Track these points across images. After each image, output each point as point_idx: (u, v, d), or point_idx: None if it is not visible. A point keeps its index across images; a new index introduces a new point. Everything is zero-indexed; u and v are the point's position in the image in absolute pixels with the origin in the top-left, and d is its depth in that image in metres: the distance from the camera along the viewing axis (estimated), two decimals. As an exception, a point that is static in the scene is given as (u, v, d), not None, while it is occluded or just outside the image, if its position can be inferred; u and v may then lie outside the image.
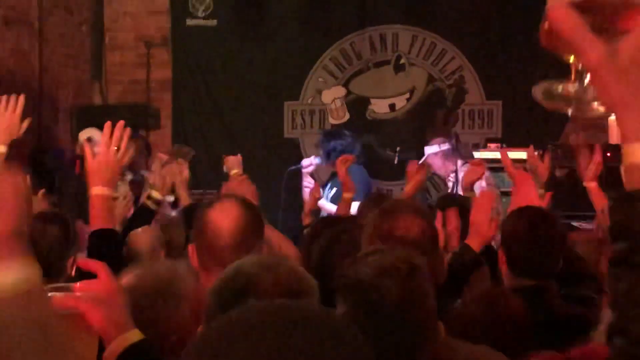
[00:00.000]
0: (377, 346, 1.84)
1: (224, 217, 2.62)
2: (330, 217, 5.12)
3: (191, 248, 2.68)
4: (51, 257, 3.20)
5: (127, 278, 2.23)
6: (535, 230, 3.21)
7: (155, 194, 4.18)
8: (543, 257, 3.18)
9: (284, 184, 7.32)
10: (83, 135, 7.21)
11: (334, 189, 6.44)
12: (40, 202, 4.25)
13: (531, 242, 3.18)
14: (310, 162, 6.85)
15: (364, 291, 1.98)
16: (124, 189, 4.01)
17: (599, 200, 4.47)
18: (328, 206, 6.29)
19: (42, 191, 4.63)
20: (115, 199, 3.91)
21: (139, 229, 3.96)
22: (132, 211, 4.57)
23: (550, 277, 3.21)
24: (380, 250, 2.12)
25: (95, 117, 7.92)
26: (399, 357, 1.96)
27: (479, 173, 5.02)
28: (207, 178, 8.29)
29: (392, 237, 2.56)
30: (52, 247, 3.26)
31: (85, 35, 8.78)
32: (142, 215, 4.10)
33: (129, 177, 6.63)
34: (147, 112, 8.49)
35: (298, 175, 7.32)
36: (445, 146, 6.95)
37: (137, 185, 7.52)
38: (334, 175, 6.47)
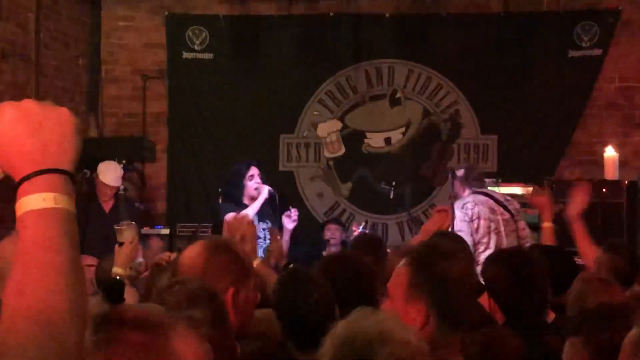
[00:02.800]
0: None
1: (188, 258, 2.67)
2: None
3: None
4: None
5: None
6: (517, 272, 3.18)
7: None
8: (530, 296, 3.16)
9: None
10: (101, 167, 7.26)
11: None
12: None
13: (516, 284, 3.16)
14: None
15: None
16: (129, 233, 4.02)
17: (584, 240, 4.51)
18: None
19: None
20: (121, 244, 3.91)
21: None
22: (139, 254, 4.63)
23: (541, 313, 3.21)
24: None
25: (91, 150, 7.92)
26: None
27: (443, 221, 4.67)
28: (201, 211, 8.28)
29: None
30: None
31: (81, 68, 8.80)
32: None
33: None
34: (142, 145, 8.49)
35: None
36: None
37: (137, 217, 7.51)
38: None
